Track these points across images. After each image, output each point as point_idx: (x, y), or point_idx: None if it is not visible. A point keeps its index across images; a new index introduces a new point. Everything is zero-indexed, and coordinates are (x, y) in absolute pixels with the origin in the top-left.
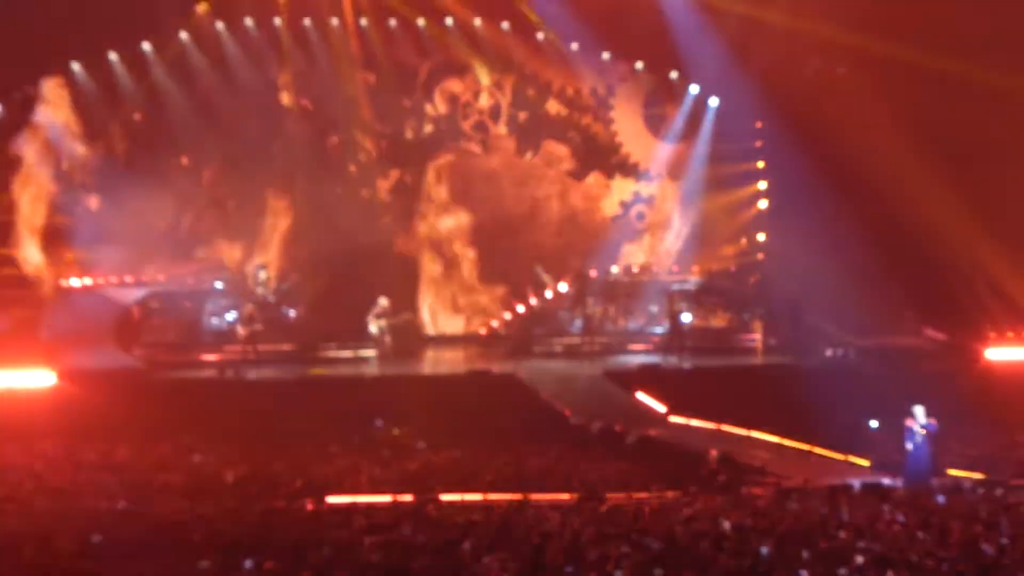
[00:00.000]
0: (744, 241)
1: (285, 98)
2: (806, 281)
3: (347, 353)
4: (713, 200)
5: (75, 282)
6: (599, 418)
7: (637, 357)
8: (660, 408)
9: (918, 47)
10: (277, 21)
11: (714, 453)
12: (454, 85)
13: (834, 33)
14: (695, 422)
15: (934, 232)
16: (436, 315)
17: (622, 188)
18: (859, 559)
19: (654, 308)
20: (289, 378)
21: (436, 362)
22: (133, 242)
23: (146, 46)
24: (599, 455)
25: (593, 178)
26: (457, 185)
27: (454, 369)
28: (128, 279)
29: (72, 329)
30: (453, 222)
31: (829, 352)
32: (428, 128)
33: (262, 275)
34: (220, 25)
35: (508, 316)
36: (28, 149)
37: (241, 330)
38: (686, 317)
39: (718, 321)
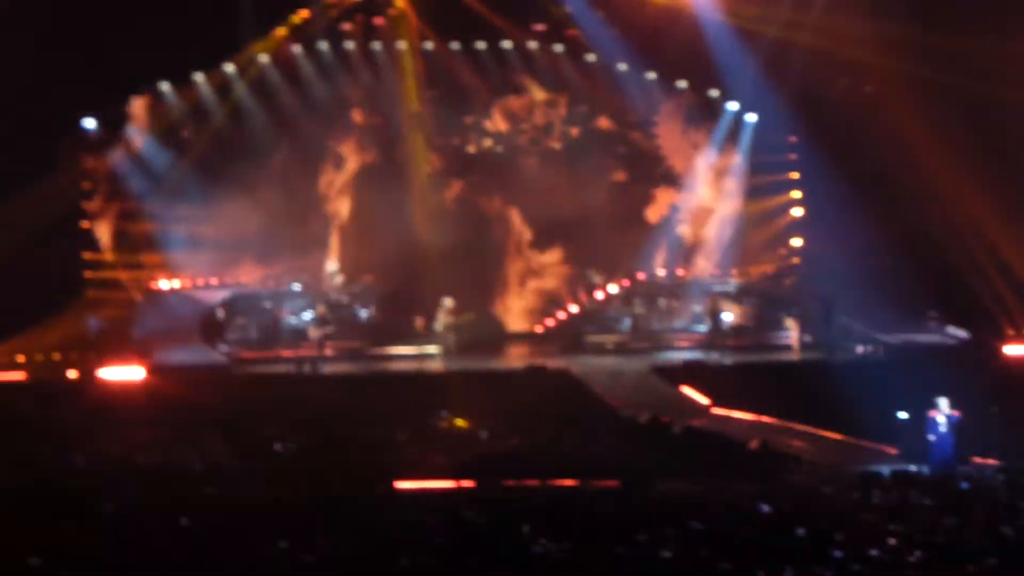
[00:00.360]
0: (781, 249)
1: (356, 115)
2: (838, 282)
3: (413, 350)
4: (750, 208)
5: (164, 284)
6: (646, 410)
7: (681, 353)
8: (703, 401)
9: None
10: (349, 45)
11: (754, 442)
12: (511, 103)
13: (862, 53)
14: (736, 414)
15: (957, 235)
16: (496, 314)
17: (666, 197)
18: (891, 541)
19: (697, 308)
20: (360, 373)
21: (496, 358)
22: (218, 247)
23: (229, 67)
24: (647, 444)
25: (639, 188)
26: (516, 194)
27: (512, 365)
28: (213, 281)
29: (161, 328)
30: (513, 228)
31: (859, 349)
32: (487, 143)
33: (336, 278)
34: (297, 48)
35: (562, 316)
36: (120, 161)
37: (314, 331)
38: (727, 316)
39: (756, 320)
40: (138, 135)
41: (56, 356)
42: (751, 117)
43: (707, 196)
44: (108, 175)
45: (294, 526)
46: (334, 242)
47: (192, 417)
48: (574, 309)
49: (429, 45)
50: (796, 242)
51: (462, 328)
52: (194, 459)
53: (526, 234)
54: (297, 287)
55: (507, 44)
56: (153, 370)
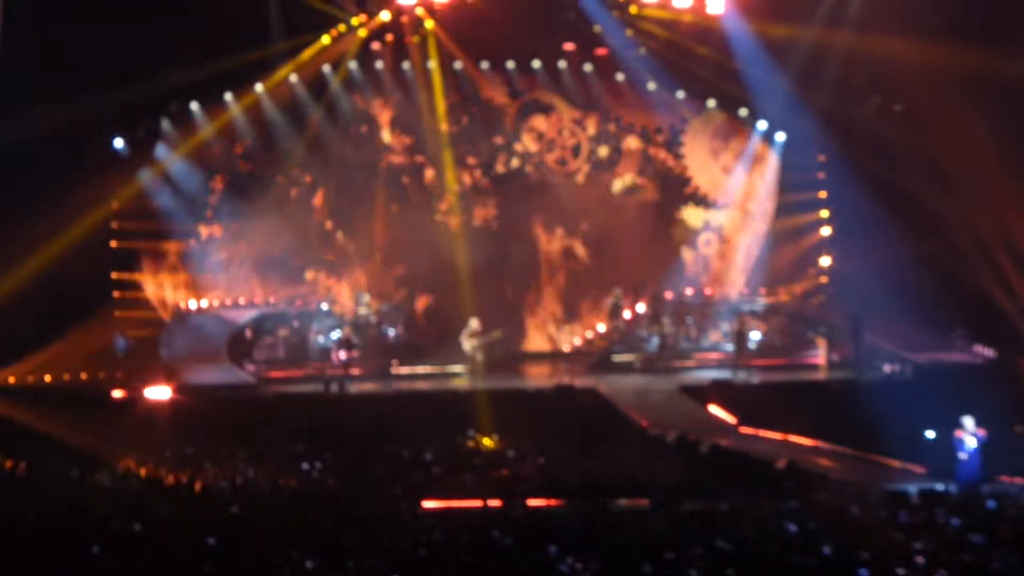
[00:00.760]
0: (810, 268)
1: (386, 135)
2: (866, 301)
3: (441, 369)
4: (779, 227)
5: (192, 304)
6: (674, 429)
7: (709, 372)
8: (731, 420)
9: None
10: (379, 64)
11: (782, 461)
12: (540, 122)
13: (892, 71)
14: (763, 433)
15: (984, 254)
16: (525, 333)
17: (694, 216)
18: (917, 560)
19: (725, 327)
20: (388, 392)
21: (524, 377)
22: (247, 267)
23: (259, 87)
24: (675, 463)
25: (668, 207)
26: (544, 213)
27: (541, 384)
28: (241, 301)
29: (190, 347)
30: (541, 248)
31: (887, 368)
32: (516, 163)
33: (364, 297)
34: (326, 68)
35: (590, 335)
36: (149, 180)
37: (338, 354)
38: (755, 335)
39: (784, 339)
40: (168, 154)
41: (83, 375)
42: (780, 136)
43: (736, 215)
44: (137, 194)
45: (321, 545)
46: (363, 261)
47: (219, 436)
48: (602, 328)
49: (459, 65)
50: (824, 261)
51: (490, 347)
52: (221, 478)
53: (555, 253)
54: (325, 307)
55: (536, 63)
56: (180, 389)
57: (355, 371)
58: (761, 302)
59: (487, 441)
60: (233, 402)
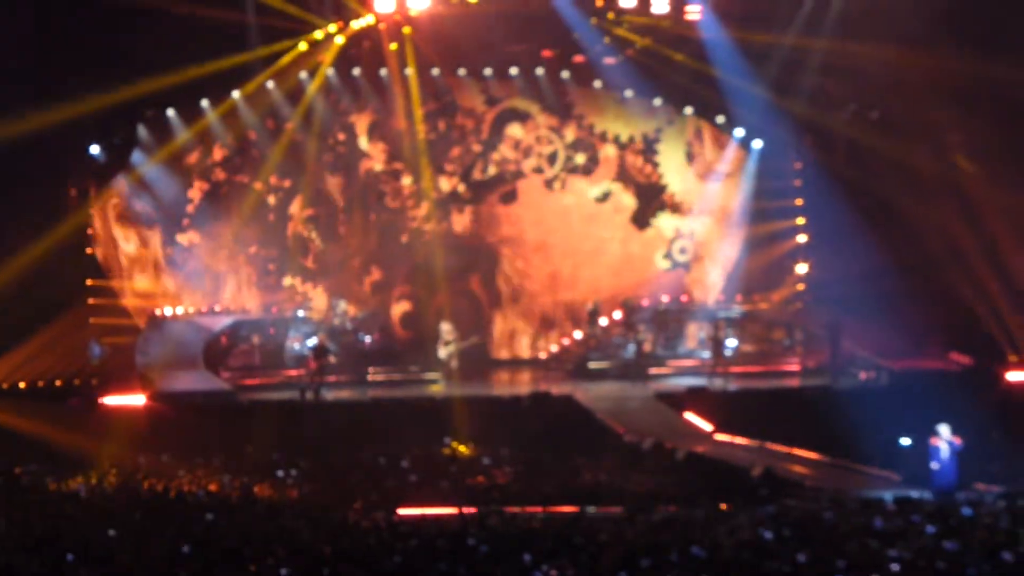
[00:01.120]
0: (786, 275)
1: (363, 142)
2: (842, 309)
3: (417, 376)
4: (755, 234)
5: (168, 311)
6: (650, 436)
7: (685, 379)
8: (707, 427)
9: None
10: (356, 71)
11: (757, 468)
12: (517, 130)
13: (868, 79)
14: (739, 440)
15: (961, 261)
16: (501, 339)
17: (669, 223)
18: (892, 567)
19: (701, 334)
20: (364, 400)
21: (500, 384)
22: (223, 274)
23: (236, 94)
24: (650, 470)
25: (644, 214)
26: (521, 220)
27: (516, 391)
28: (217, 308)
29: (165, 355)
30: (518, 254)
31: (863, 375)
32: (493, 170)
33: (340, 304)
34: (304, 75)
35: (566, 342)
36: (126, 188)
37: (312, 361)
38: (731, 343)
39: (759, 346)
40: (144, 161)
41: (58, 383)
42: (757, 143)
43: (712, 222)
44: (114, 201)
45: (296, 553)
46: (340, 268)
47: (194, 444)
48: (578, 335)
49: (436, 72)
50: (801, 268)
51: (466, 354)
52: (196, 486)
53: (532, 260)
54: (301, 313)
55: (514, 71)
56: (156, 397)
57: (331, 378)
58: (737, 309)
59: (462, 448)
60: (208, 409)
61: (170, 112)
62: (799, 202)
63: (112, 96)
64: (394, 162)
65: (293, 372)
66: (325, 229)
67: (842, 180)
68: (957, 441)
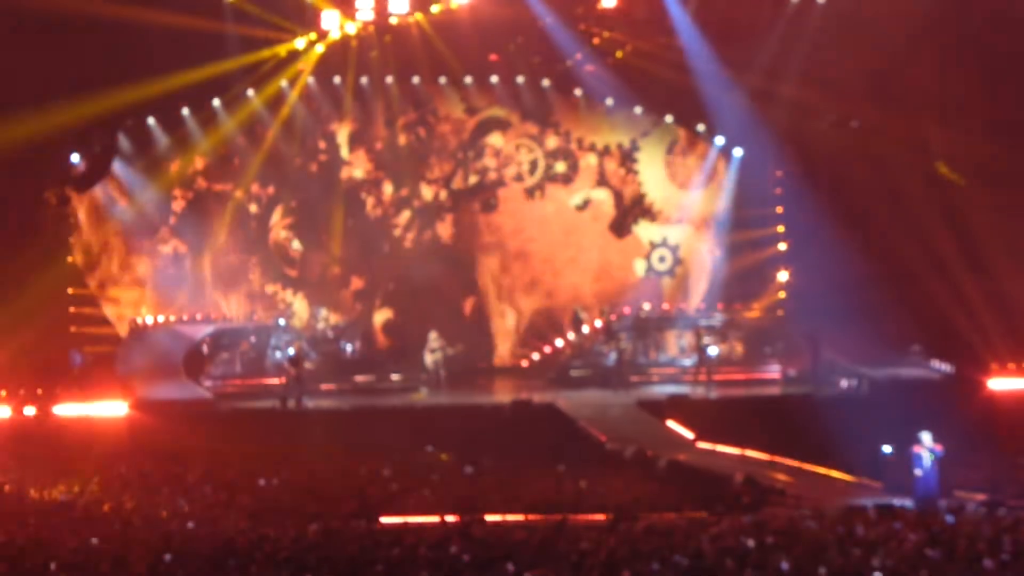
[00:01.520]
0: (767, 283)
1: (344, 150)
2: (823, 317)
3: (400, 384)
4: (735, 242)
5: (149, 319)
6: (632, 444)
7: (667, 387)
8: (688, 435)
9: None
10: (337, 80)
11: (739, 476)
12: (497, 139)
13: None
14: (721, 447)
15: (941, 270)
16: (482, 347)
17: (649, 232)
18: (874, 574)
19: (683, 342)
20: (345, 408)
21: (482, 392)
22: (205, 282)
23: (216, 102)
24: (632, 478)
25: (625, 222)
26: (503, 228)
27: (499, 399)
28: (198, 316)
29: (146, 363)
30: (501, 262)
31: (844, 383)
32: (474, 178)
33: (322, 312)
34: (284, 83)
35: (548, 350)
36: (106, 196)
37: (290, 368)
38: (712, 351)
39: (741, 354)
40: (125, 170)
41: (38, 391)
42: (737, 151)
43: (692, 231)
44: (94, 209)
45: (278, 562)
46: (321, 276)
47: (175, 452)
48: (560, 343)
49: (416, 80)
50: (781, 276)
51: (450, 362)
52: (177, 495)
53: (514, 267)
54: (283, 322)
55: (494, 79)
56: (136, 405)
57: (311, 386)
58: (718, 317)
59: (445, 456)
60: (189, 417)
61: (150, 120)
62: (779, 210)
63: (92, 105)
64: (375, 170)
65: (274, 380)
66: (307, 237)
67: (822, 189)
68: (939, 449)
